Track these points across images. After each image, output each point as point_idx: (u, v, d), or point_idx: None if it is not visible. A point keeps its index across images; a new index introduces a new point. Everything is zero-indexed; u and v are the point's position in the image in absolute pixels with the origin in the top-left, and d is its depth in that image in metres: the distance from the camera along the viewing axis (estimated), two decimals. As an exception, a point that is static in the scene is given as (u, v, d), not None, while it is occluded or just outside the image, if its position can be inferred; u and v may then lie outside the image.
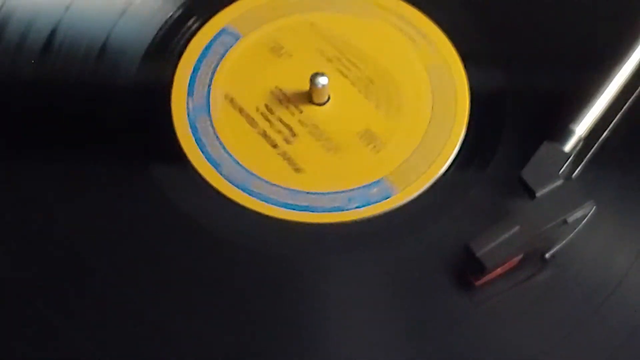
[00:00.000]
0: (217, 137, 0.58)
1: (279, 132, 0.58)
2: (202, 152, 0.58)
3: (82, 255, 0.54)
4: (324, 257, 0.54)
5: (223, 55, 0.61)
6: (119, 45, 0.61)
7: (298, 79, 0.60)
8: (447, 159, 0.57)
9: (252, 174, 0.57)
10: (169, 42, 0.62)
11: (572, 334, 0.51)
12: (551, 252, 0.53)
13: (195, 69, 0.61)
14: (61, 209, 0.55)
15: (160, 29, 0.62)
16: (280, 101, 0.59)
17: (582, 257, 0.53)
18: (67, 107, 0.59)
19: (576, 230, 0.53)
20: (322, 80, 0.58)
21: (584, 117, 0.56)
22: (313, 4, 0.63)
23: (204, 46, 0.61)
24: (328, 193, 0.56)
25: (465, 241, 0.52)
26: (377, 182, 0.57)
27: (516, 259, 0.52)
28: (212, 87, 0.60)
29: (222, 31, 0.62)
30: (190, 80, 0.60)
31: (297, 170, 0.57)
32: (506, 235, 0.51)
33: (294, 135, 0.58)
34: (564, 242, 0.53)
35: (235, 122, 0.59)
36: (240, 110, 0.59)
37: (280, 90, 0.60)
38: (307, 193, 0.56)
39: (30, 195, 0.56)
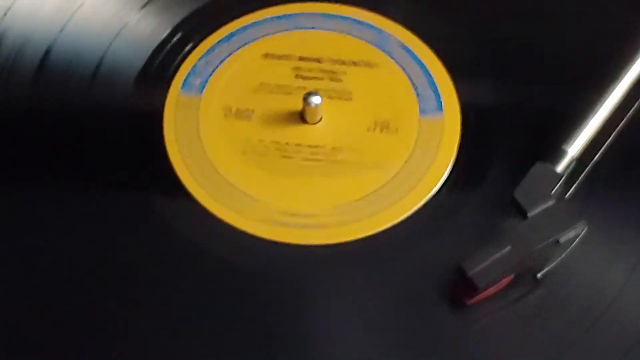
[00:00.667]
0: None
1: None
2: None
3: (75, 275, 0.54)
4: (314, 278, 0.54)
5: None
6: (112, 68, 0.61)
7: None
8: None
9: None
10: (162, 63, 0.62)
11: (563, 354, 0.51)
12: (543, 272, 0.53)
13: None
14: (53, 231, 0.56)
15: (154, 51, 0.62)
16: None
17: (574, 277, 0.53)
18: (59, 129, 0.59)
19: (568, 250, 0.53)
20: (315, 100, 0.58)
21: (577, 137, 0.56)
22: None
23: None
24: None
25: (457, 261, 0.51)
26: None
27: (508, 279, 0.52)
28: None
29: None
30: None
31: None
32: (498, 255, 0.51)
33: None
34: (555, 262, 0.53)
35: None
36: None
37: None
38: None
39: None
